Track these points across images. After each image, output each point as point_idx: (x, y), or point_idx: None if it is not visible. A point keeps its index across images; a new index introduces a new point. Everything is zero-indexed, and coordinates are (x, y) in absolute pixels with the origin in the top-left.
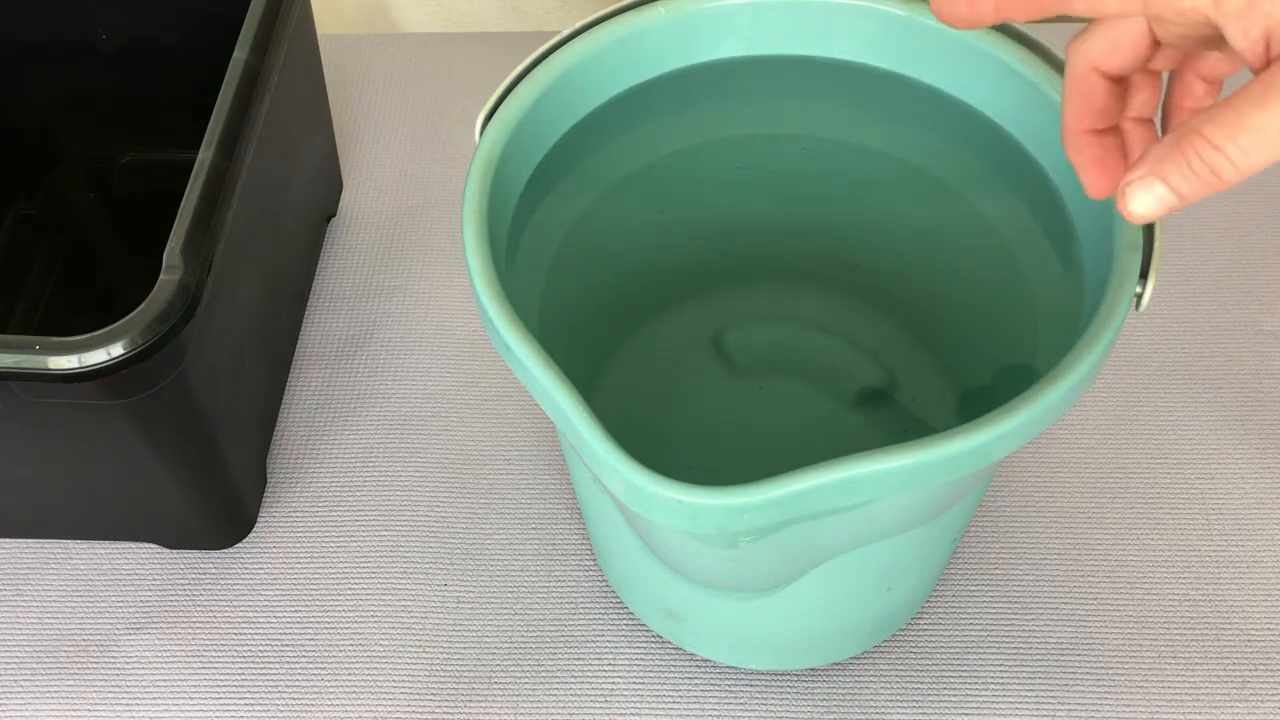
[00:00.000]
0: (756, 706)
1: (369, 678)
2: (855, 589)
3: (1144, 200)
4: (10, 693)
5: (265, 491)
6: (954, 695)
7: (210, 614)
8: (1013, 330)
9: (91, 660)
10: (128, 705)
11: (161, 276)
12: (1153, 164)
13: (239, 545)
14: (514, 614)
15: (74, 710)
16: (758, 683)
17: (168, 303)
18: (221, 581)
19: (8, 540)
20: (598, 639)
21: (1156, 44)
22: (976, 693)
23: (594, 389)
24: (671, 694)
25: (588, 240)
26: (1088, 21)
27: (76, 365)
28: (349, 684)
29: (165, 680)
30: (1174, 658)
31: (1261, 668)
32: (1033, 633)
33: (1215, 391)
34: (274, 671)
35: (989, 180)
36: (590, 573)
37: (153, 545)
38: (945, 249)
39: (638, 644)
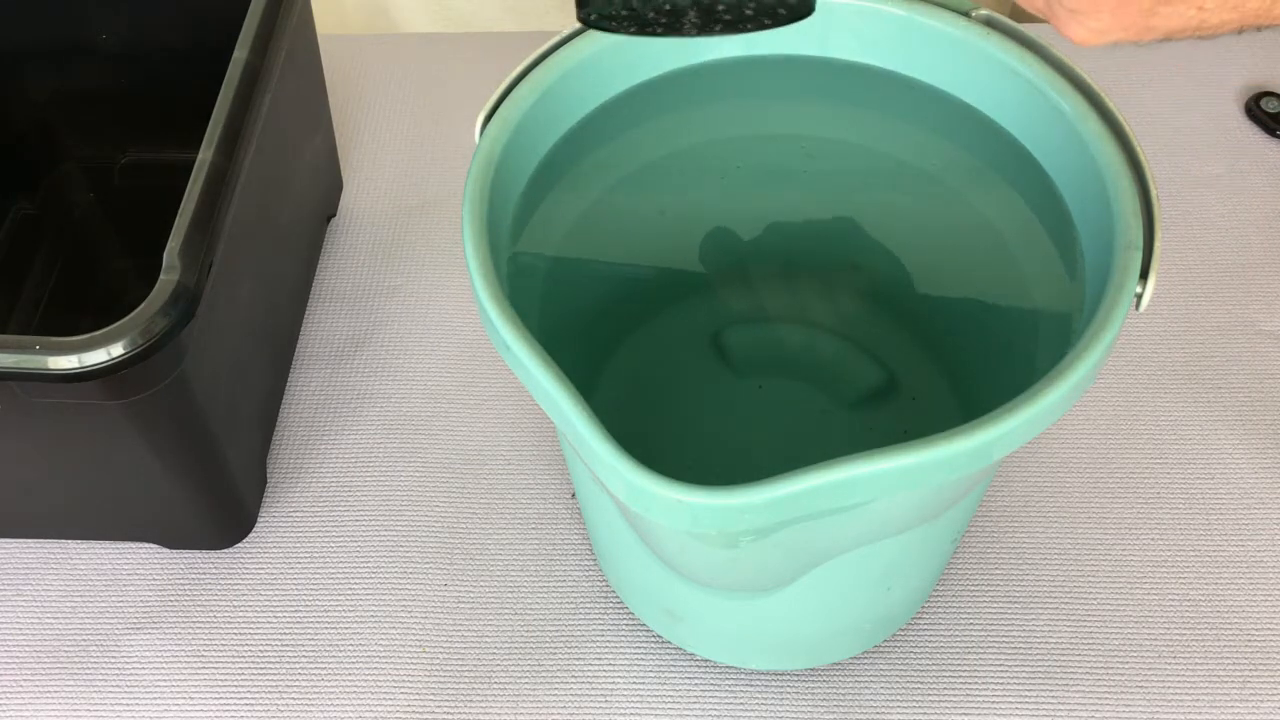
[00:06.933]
0: (756, 706)
1: (369, 678)
2: (855, 589)
3: None
4: (10, 693)
5: (265, 491)
6: (954, 695)
7: (210, 614)
8: (1013, 330)
9: (91, 660)
10: (128, 705)
11: (161, 276)
12: None
13: (239, 545)
14: (514, 614)
15: (74, 710)
16: (758, 683)
17: (168, 303)
18: (221, 581)
19: (8, 540)
20: (598, 639)
21: None
22: (976, 693)
23: (594, 389)
24: (671, 694)
25: (587, 240)
26: None
27: (76, 365)
28: (349, 684)
29: (165, 680)
30: (1174, 658)
31: (1261, 668)
32: (1033, 633)
33: (1215, 391)
34: (274, 671)
35: (989, 180)
36: (590, 573)
37: (153, 545)
38: (945, 248)
39: (638, 644)
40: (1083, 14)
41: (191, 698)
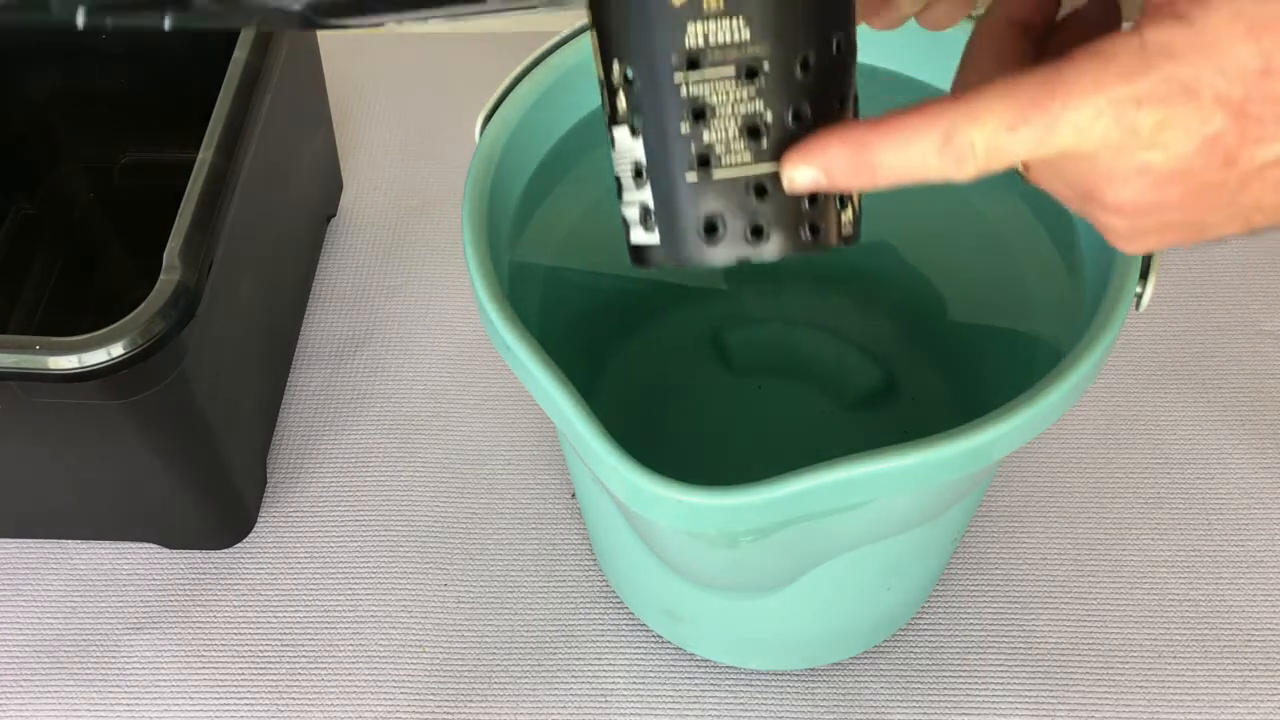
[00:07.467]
0: (756, 706)
1: (369, 678)
2: (855, 589)
3: (804, 174)
4: (10, 693)
5: (265, 491)
6: (954, 695)
7: (210, 614)
8: (1013, 330)
9: (91, 660)
10: (128, 705)
11: (161, 276)
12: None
13: (239, 545)
14: (514, 614)
15: (74, 710)
16: (758, 683)
17: (168, 303)
18: (221, 581)
19: (8, 540)
20: (598, 639)
21: None
22: (976, 693)
23: (594, 389)
24: (671, 694)
25: (588, 240)
26: None
27: (76, 365)
28: (349, 684)
29: (165, 680)
30: (1174, 658)
31: (1261, 668)
32: (1033, 633)
33: (1215, 391)
34: (274, 671)
35: (988, 180)
36: (590, 573)
37: (153, 545)
38: (945, 249)
39: (638, 644)
40: (1131, 240)
41: (191, 698)
